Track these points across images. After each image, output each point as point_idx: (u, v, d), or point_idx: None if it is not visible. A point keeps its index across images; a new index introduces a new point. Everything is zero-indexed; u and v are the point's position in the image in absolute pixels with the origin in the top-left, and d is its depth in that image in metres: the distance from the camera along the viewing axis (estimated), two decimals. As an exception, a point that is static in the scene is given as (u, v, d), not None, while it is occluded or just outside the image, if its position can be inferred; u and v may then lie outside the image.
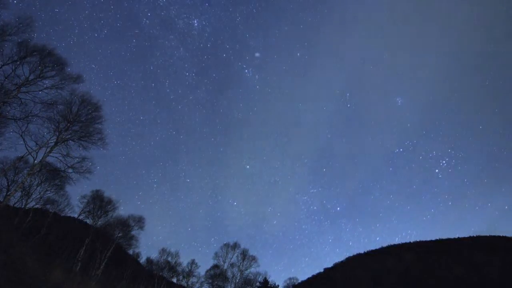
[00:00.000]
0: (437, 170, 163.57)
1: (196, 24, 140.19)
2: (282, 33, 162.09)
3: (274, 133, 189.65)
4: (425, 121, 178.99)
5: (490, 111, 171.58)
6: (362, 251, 74.57)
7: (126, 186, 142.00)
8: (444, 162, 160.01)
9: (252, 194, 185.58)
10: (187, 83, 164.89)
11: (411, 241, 69.63)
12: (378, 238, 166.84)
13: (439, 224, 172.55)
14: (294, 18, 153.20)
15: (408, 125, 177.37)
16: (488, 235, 62.54)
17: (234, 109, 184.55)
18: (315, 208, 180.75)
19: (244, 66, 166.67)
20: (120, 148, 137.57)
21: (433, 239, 68.66)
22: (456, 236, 66.65)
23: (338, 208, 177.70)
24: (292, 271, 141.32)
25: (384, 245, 72.69)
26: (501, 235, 60.63)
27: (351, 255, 74.63)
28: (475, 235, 64.09)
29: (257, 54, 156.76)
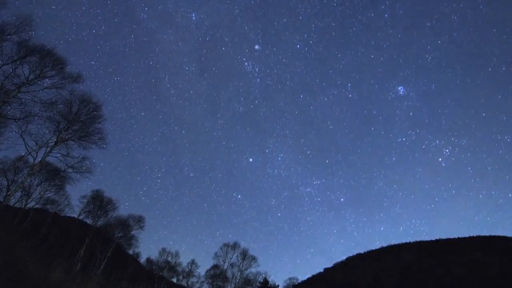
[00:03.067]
0: (440, 159, 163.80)
1: (194, 18, 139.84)
2: (281, 25, 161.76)
3: (276, 125, 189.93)
4: (427, 110, 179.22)
5: (493, 98, 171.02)
6: (362, 251, 74.65)
7: (130, 182, 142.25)
8: (447, 150, 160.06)
9: (256, 187, 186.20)
10: (187, 77, 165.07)
11: (411, 241, 69.67)
12: (382, 228, 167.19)
13: (443, 213, 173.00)
14: (293, 10, 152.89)
15: (411, 114, 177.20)
16: (488, 235, 62.57)
17: (235, 102, 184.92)
18: (319, 199, 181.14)
19: (244, 59, 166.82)
20: (122, 145, 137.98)
21: (433, 239, 68.74)
22: (456, 236, 66.70)
23: (342, 199, 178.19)
24: (297, 262, 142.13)
25: (384, 245, 72.75)
26: (501, 235, 60.69)
27: (352, 255, 74.67)
28: (475, 235, 64.11)
29: (256, 47, 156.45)
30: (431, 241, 67.21)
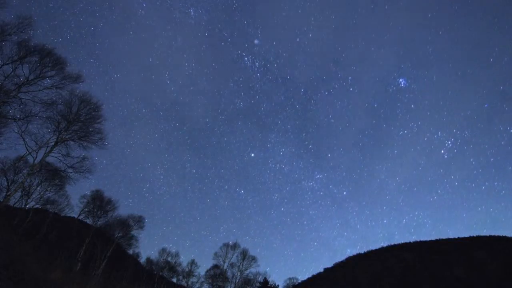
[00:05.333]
0: (442, 151, 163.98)
1: (192, 13, 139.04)
2: (280, 19, 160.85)
3: (277, 120, 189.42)
4: (429, 102, 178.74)
5: (495, 89, 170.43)
6: (362, 250, 74.68)
7: (133, 179, 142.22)
8: (449, 142, 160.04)
9: (258, 182, 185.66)
10: (187, 73, 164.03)
11: (411, 241, 69.65)
12: (385, 221, 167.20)
13: (446, 204, 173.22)
14: (292, 3, 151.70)
15: (412, 106, 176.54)
16: (488, 235, 62.58)
17: (235, 98, 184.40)
18: (321, 193, 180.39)
19: (244, 54, 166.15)
20: (124, 142, 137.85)
21: (433, 239, 68.72)
22: (456, 236, 66.70)
23: (345, 193, 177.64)
24: (301, 255, 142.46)
25: (384, 245, 72.77)
26: (501, 235, 60.69)
27: (352, 254, 74.71)
28: (475, 235, 64.11)
29: (256, 41, 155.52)
30: (431, 241, 67.20)
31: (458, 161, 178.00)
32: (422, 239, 69.96)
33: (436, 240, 66.81)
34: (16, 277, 10.80)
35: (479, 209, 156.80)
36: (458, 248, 57.18)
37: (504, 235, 60.28)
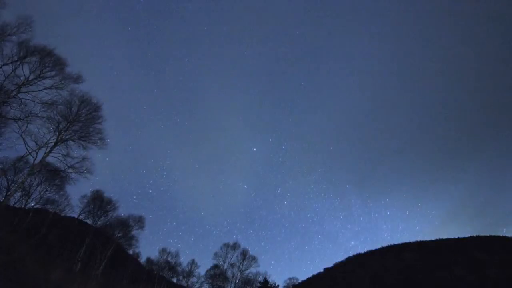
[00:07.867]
0: (445, 142, 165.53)
1: (190, 7, 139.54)
2: (279, 13, 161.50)
3: (279, 114, 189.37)
4: (431, 94, 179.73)
5: (497, 80, 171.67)
6: (362, 251, 74.70)
7: (135, 176, 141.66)
8: (452, 134, 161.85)
9: (261, 176, 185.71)
10: (187, 69, 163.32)
11: (412, 241, 69.63)
12: (388, 213, 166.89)
13: (449, 194, 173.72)
14: (291, 0, 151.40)
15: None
16: (488, 235, 62.59)
17: (236, 93, 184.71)
18: (324, 186, 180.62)
19: (243, 48, 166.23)
20: (126, 139, 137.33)
21: (433, 239, 68.75)
22: (456, 236, 66.72)
23: (347, 185, 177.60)
24: (305, 248, 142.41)
25: (384, 245, 72.76)
26: (501, 235, 60.72)
27: (351, 255, 74.69)
28: (475, 235, 64.12)
29: (255, 36, 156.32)
30: (431, 241, 67.17)
31: (460, 151, 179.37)
32: (422, 239, 70.06)
33: (436, 240, 66.78)
34: (16, 277, 10.81)
35: (482, 199, 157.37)
36: (458, 248, 57.16)
37: (504, 235, 60.38)
